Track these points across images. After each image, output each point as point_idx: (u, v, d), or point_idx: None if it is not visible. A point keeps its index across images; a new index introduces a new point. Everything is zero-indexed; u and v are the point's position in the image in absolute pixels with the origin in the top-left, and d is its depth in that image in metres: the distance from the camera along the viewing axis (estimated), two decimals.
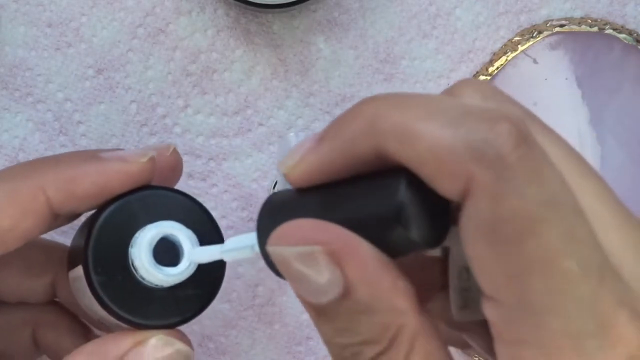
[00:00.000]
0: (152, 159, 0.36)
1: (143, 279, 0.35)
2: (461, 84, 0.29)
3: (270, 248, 0.28)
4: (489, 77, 0.48)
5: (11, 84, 0.48)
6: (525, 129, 0.26)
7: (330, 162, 0.29)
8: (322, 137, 0.29)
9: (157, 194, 0.36)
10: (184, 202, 0.36)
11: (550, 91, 0.48)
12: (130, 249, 0.35)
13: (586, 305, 0.25)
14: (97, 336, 0.43)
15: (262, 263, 0.31)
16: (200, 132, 0.49)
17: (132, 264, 0.35)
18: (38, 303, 0.42)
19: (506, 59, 0.48)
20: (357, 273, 0.27)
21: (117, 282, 0.35)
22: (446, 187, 0.26)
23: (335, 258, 0.27)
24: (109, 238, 0.35)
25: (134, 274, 0.35)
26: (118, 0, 0.48)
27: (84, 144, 0.48)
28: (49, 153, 0.48)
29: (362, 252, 0.27)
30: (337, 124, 0.29)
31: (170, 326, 0.35)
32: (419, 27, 0.49)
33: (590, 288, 0.25)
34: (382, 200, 0.27)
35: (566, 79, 0.48)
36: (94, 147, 0.49)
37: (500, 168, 0.25)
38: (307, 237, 0.27)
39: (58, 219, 0.37)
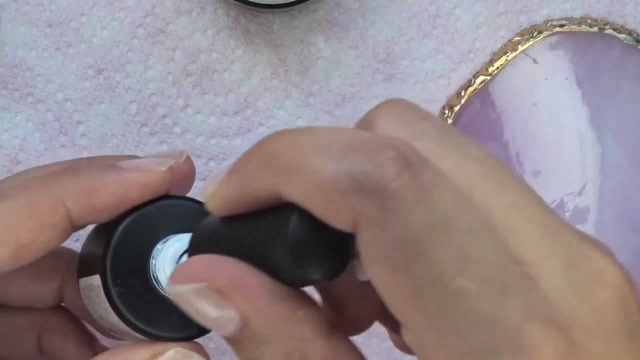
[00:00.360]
0: (171, 168, 0.36)
1: (164, 291, 0.35)
2: (378, 107, 0.29)
3: (168, 287, 0.30)
4: (488, 77, 0.48)
5: (11, 84, 0.48)
6: (411, 155, 0.26)
7: (237, 197, 0.30)
8: (230, 171, 0.30)
9: (176, 204, 0.36)
10: (204, 213, 0.36)
11: (550, 91, 0.48)
12: (151, 260, 0.35)
13: (488, 321, 0.24)
14: (102, 345, 0.42)
15: None
16: (200, 132, 0.49)
17: (153, 276, 0.35)
18: (44, 308, 0.41)
19: (506, 59, 0.48)
20: (247, 306, 0.28)
21: (136, 294, 0.34)
22: (336, 221, 0.26)
23: (224, 293, 0.28)
24: (128, 249, 0.35)
25: (154, 286, 0.35)
26: (118, 0, 0.48)
27: (84, 143, 0.48)
28: (49, 153, 0.48)
29: (252, 286, 0.28)
30: (243, 159, 0.30)
31: (188, 339, 0.35)
32: (419, 27, 0.49)
33: (491, 303, 0.25)
34: (274, 237, 0.28)
35: (566, 79, 0.48)
36: (94, 147, 0.49)
37: (382, 198, 0.25)
38: (199, 274, 0.29)
39: (74, 229, 0.36)
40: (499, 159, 0.28)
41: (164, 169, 0.35)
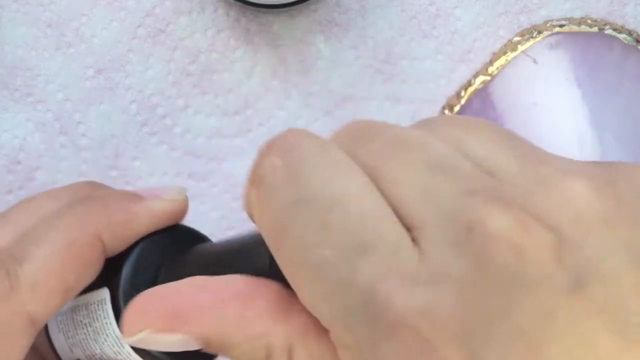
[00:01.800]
0: (186, 196, 0.36)
1: None
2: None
3: (124, 341, 0.32)
4: (488, 77, 0.48)
5: (11, 84, 0.48)
6: (288, 139, 0.28)
7: None
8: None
9: (184, 233, 0.36)
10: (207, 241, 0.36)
11: (550, 91, 0.48)
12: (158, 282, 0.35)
13: (343, 286, 0.25)
14: None
15: None
16: (200, 132, 0.49)
17: None
18: None
19: (506, 59, 0.48)
20: (194, 330, 0.28)
21: None
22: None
23: (166, 330, 0.28)
24: (141, 269, 0.35)
25: None
26: (118, 0, 0.48)
27: (84, 143, 0.48)
28: (49, 153, 0.48)
29: (190, 310, 0.28)
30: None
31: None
32: (419, 27, 0.49)
33: (346, 269, 0.25)
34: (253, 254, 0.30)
35: (566, 79, 0.48)
36: (94, 147, 0.49)
37: (258, 183, 0.27)
38: (136, 325, 0.29)
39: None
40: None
41: (182, 197, 0.36)
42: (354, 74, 0.49)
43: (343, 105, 0.49)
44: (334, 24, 0.49)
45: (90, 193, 0.36)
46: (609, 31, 0.49)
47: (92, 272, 0.34)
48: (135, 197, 0.35)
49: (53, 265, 0.33)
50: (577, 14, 0.50)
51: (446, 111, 0.49)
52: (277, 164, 0.26)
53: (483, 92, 0.48)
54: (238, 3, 0.46)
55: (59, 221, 0.34)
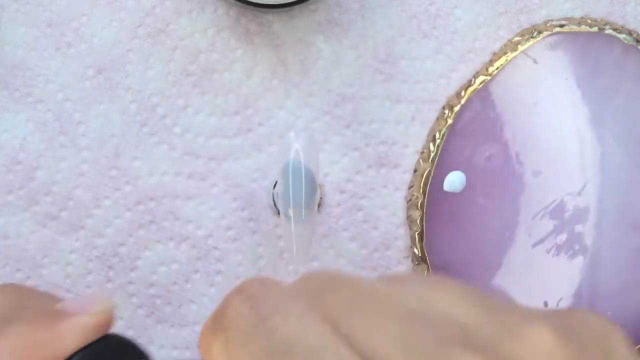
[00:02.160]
0: (113, 306, 0.35)
1: None
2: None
3: None
4: (488, 77, 0.48)
5: (11, 84, 0.48)
6: (254, 290, 0.27)
7: None
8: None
9: (116, 344, 0.36)
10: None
11: (550, 91, 0.48)
12: None
13: None
14: None
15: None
16: (200, 132, 0.49)
17: None
18: None
19: (506, 59, 0.48)
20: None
21: None
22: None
23: None
24: None
25: None
26: (118, 0, 0.48)
27: (84, 143, 0.48)
28: (49, 153, 0.48)
29: None
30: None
31: None
32: (419, 27, 0.49)
33: None
34: None
35: (566, 79, 0.48)
36: (94, 147, 0.49)
37: (224, 331, 0.27)
38: None
39: None
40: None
41: (109, 308, 0.35)
42: (354, 74, 0.49)
43: (343, 105, 0.49)
44: (334, 24, 0.49)
45: (16, 305, 0.36)
46: (609, 31, 0.49)
47: None
48: (61, 315, 0.35)
49: None
50: (577, 14, 0.50)
51: (446, 111, 0.49)
52: (246, 312, 0.26)
53: (483, 92, 0.48)
54: (238, 3, 0.46)
55: None
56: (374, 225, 0.49)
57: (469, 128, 0.48)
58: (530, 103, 0.48)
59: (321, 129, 0.49)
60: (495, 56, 0.49)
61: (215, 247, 0.49)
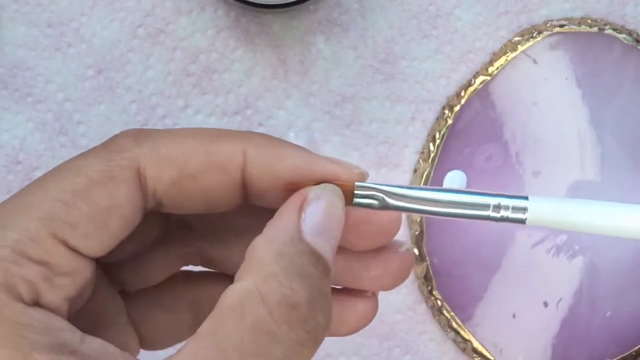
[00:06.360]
0: (362, 175, 0.32)
1: None
2: None
3: None
4: (488, 77, 0.48)
5: (11, 84, 0.48)
6: None
7: None
8: None
9: None
10: None
11: (550, 91, 0.48)
12: None
13: None
14: None
15: None
16: None
17: None
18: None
19: (506, 59, 0.48)
20: None
21: None
22: None
23: None
24: None
25: None
26: (118, 0, 0.48)
27: (84, 144, 0.48)
28: (49, 153, 0.48)
29: None
30: None
31: None
32: (419, 27, 0.49)
33: None
34: None
35: (566, 79, 0.48)
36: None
37: None
38: None
39: (247, 196, 0.32)
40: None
41: (357, 170, 0.32)
42: (354, 74, 0.49)
43: (343, 105, 0.49)
44: (334, 24, 0.49)
45: None
46: (609, 31, 0.49)
47: (220, 178, 0.32)
48: (300, 147, 0.33)
49: (181, 147, 0.32)
50: (577, 14, 0.50)
51: (446, 111, 0.49)
52: None
53: (483, 92, 0.48)
54: (238, 3, 0.46)
55: (211, 130, 0.33)
56: None
57: (469, 128, 0.48)
58: (530, 103, 0.48)
59: (321, 129, 0.49)
60: (495, 56, 0.49)
61: None
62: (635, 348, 0.49)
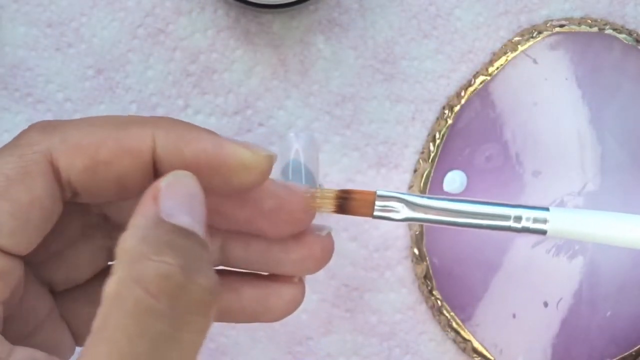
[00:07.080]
0: (271, 158, 0.33)
1: None
2: None
3: None
4: (488, 77, 0.48)
5: (11, 84, 0.48)
6: None
7: None
8: None
9: None
10: None
11: (550, 91, 0.48)
12: None
13: None
14: None
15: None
16: None
17: None
18: None
19: (506, 59, 0.48)
20: None
21: None
22: None
23: None
24: None
25: None
26: (118, 0, 0.48)
27: None
28: None
29: None
30: None
31: None
32: (419, 27, 0.49)
33: None
34: None
35: (566, 79, 0.48)
36: None
37: None
38: None
39: (157, 174, 0.33)
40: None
41: (265, 154, 0.33)
42: (354, 74, 0.49)
43: (343, 105, 0.49)
44: (334, 24, 0.49)
45: None
46: (609, 31, 0.49)
47: (131, 162, 0.32)
48: (212, 133, 0.33)
49: (93, 134, 0.32)
50: (577, 14, 0.50)
51: (446, 111, 0.49)
52: None
53: (483, 92, 0.48)
54: (238, 3, 0.46)
55: (117, 116, 0.34)
56: (374, 225, 0.49)
57: (469, 128, 0.48)
58: (530, 103, 0.48)
59: (321, 129, 0.49)
60: (495, 56, 0.49)
61: None
62: (635, 348, 0.49)
